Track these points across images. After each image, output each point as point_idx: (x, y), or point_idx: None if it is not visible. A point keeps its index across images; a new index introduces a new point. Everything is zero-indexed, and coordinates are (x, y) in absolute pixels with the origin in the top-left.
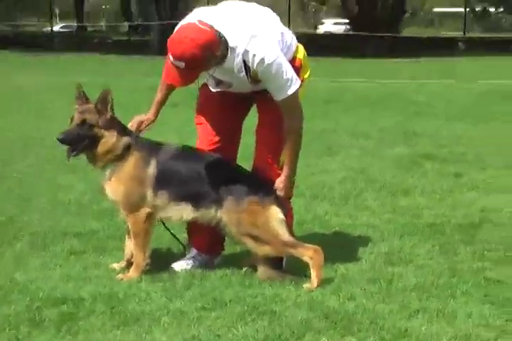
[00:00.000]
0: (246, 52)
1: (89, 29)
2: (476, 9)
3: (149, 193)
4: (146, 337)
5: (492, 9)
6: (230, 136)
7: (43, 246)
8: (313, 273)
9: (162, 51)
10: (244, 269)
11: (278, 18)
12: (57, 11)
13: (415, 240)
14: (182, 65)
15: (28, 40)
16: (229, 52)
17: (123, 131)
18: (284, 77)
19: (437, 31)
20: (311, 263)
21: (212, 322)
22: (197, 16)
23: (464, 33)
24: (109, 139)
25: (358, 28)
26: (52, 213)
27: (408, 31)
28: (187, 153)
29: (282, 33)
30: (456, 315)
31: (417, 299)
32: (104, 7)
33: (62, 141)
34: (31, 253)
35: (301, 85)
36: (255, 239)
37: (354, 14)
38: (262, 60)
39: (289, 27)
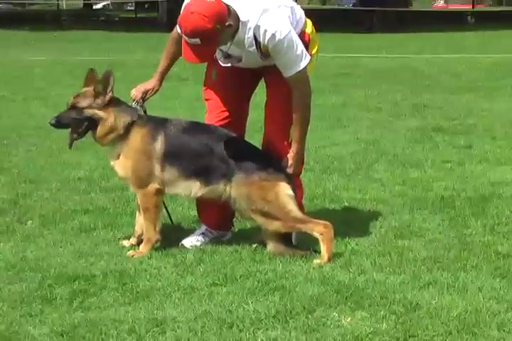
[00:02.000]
0: (257, 26)
1: (95, 6)
2: None
3: (157, 168)
4: (158, 312)
5: None
6: (238, 111)
7: (53, 223)
8: (323, 248)
9: (170, 28)
10: (254, 245)
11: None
12: None
13: (425, 213)
14: (197, 41)
15: (36, 18)
16: (240, 26)
17: (123, 110)
18: (295, 52)
19: (446, 4)
20: (321, 238)
21: (223, 297)
22: None
23: (473, 7)
24: (108, 120)
25: (365, 2)
26: (61, 191)
27: (417, 5)
28: (196, 127)
29: (292, 7)
30: (467, 288)
31: (427, 272)
32: None
33: (54, 125)
34: (42, 231)
35: (310, 61)
36: (265, 214)
37: None
38: (274, 36)
39: (296, 2)
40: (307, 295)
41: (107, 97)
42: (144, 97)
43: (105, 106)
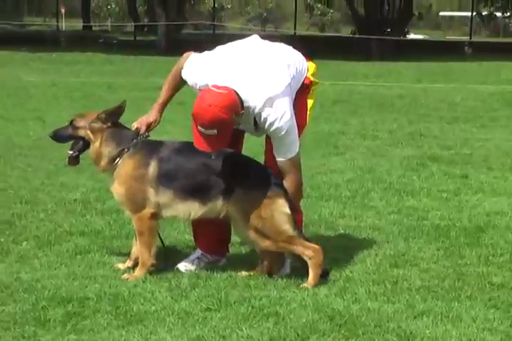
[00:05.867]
0: (259, 114)
1: (94, 28)
2: (483, 14)
3: (151, 193)
4: (151, 337)
5: (499, 14)
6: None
7: (48, 245)
8: (310, 272)
9: (167, 51)
10: (243, 272)
11: (287, 49)
12: (63, 10)
13: (420, 243)
14: (214, 132)
15: (35, 38)
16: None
17: (114, 140)
18: (289, 140)
19: (444, 35)
20: (309, 262)
21: (217, 322)
22: (211, 74)
23: (470, 37)
24: (95, 144)
25: (364, 30)
26: (57, 212)
27: (415, 34)
28: (190, 147)
29: (296, 69)
30: (461, 319)
31: (421, 301)
32: (110, 7)
33: (52, 137)
34: (36, 252)
35: (310, 95)
36: (258, 231)
37: (361, 16)
38: (272, 124)
39: (294, 29)
40: (301, 322)
41: (104, 126)
42: (148, 129)
43: (98, 132)
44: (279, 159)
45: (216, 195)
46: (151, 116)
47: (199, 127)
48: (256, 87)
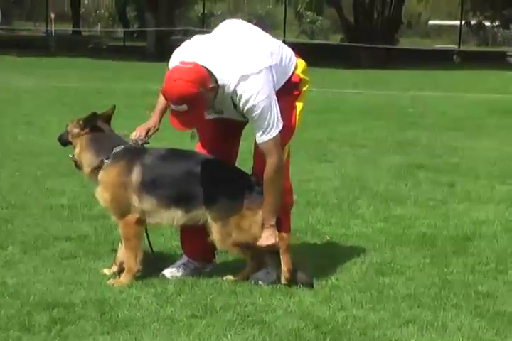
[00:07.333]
0: (234, 91)
1: (84, 33)
2: (472, 23)
3: (135, 199)
4: None
5: (487, 23)
6: (226, 150)
7: (34, 250)
8: (282, 259)
9: (157, 57)
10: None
11: (277, 42)
12: (52, 15)
13: (407, 251)
14: (185, 107)
15: (24, 43)
16: (219, 88)
17: (93, 149)
18: (266, 121)
19: (433, 43)
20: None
21: (202, 329)
22: (184, 54)
23: (459, 46)
24: (76, 150)
25: (353, 38)
26: (44, 217)
27: (404, 43)
28: (174, 154)
29: (276, 64)
30: (447, 327)
31: (407, 310)
32: (99, 12)
33: (58, 140)
34: (22, 257)
35: (300, 97)
36: (228, 237)
37: (350, 24)
38: (247, 101)
39: (284, 37)
40: (286, 329)
41: (82, 132)
42: (147, 135)
43: (77, 138)
44: (258, 142)
45: (199, 204)
46: (149, 122)
47: (170, 104)
48: (230, 64)
